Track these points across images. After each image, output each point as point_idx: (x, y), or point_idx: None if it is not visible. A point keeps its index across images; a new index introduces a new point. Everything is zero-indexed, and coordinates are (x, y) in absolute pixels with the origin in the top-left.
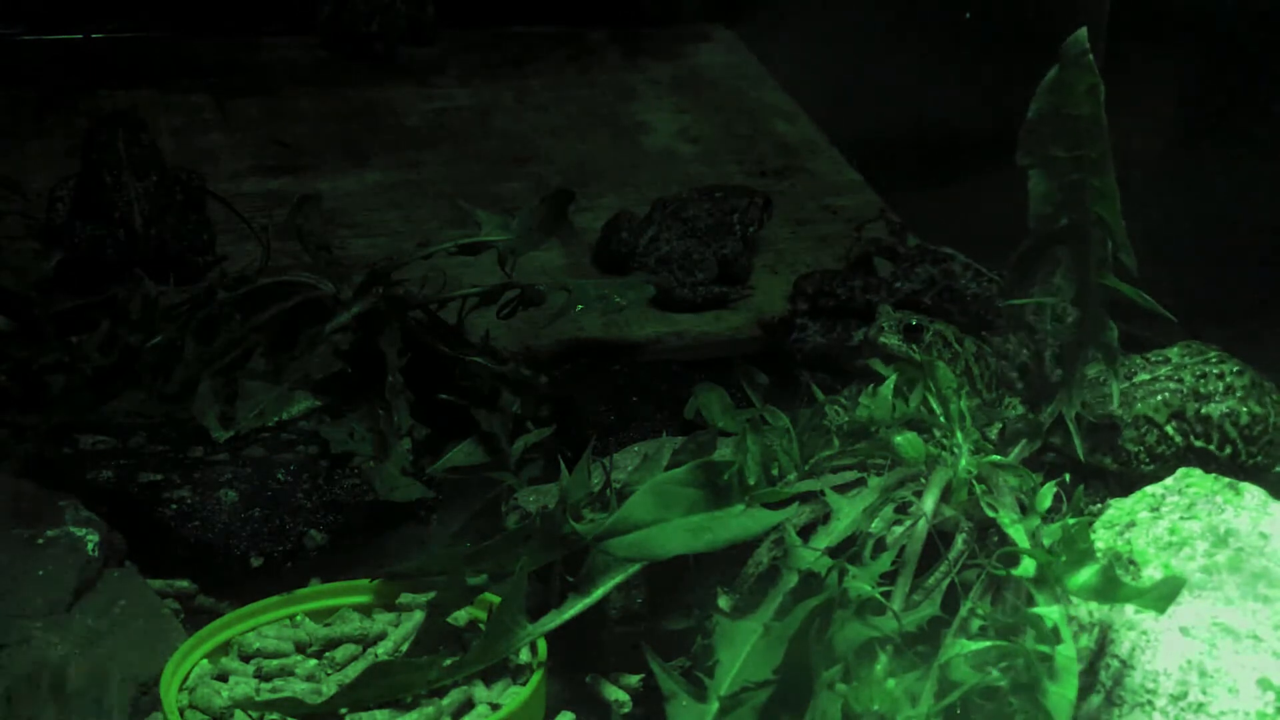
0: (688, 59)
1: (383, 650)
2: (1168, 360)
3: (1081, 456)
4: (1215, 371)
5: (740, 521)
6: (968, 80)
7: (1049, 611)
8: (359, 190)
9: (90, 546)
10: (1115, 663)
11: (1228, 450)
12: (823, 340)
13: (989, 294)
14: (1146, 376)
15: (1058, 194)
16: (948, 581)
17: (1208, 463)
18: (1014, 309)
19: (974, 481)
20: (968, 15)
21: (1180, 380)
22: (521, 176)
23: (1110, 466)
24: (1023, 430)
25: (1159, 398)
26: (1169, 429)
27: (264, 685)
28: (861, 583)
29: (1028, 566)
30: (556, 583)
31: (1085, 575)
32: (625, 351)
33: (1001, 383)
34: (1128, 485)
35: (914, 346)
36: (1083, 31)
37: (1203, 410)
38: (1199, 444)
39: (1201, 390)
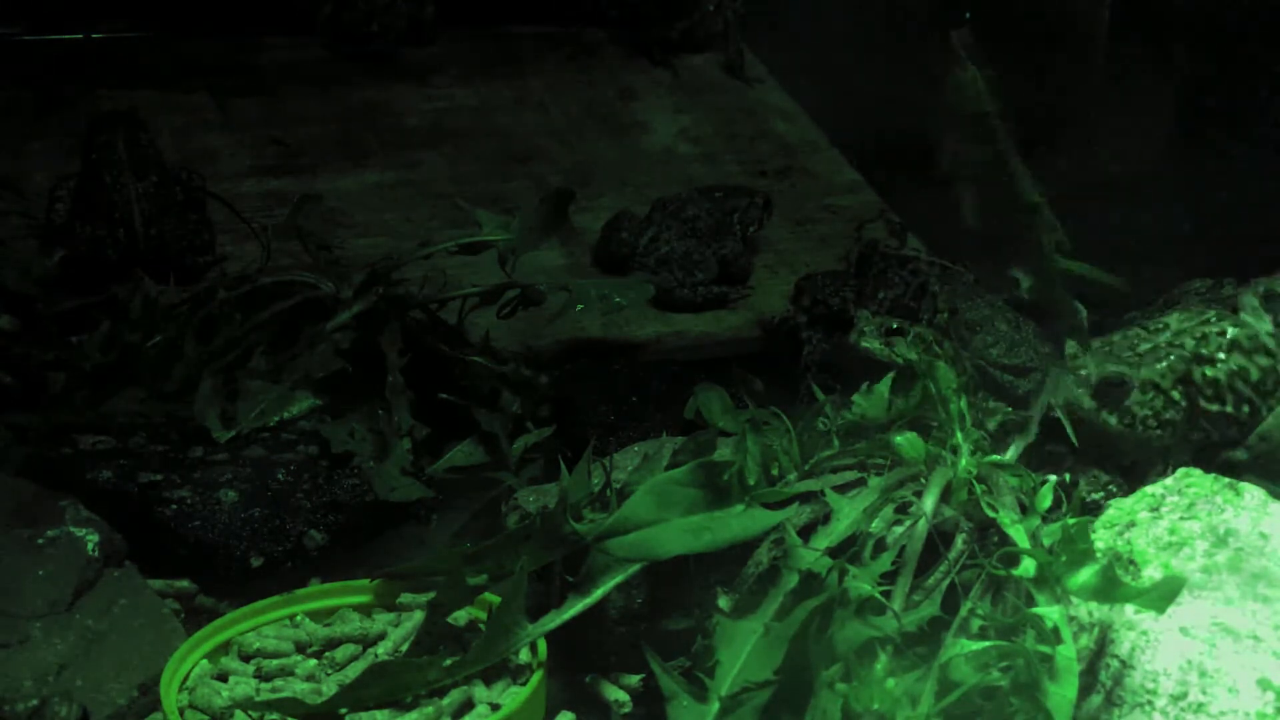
0: (688, 59)
1: (383, 650)
2: (1167, 327)
3: (1075, 443)
4: (1215, 330)
5: (740, 521)
6: None
7: (1049, 611)
8: (359, 190)
9: (90, 546)
10: (1115, 663)
11: (1245, 410)
12: (828, 348)
13: (955, 287)
14: (1149, 345)
15: (985, 194)
16: (948, 581)
17: (1227, 425)
18: None
19: (974, 481)
20: (968, 15)
21: (1181, 345)
22: (521, 176)
23: (1115, 427)
24: (1017, 424)
25: (1163, 364)
26: (1174, 394)
27: (264, 685)
28: (861, 583)
29: (1028, 566)
30: (556, 583)
31: (1085, 575)
32: (625, 351)
33: (983, 384)
34: (1132, 483)
35: (895, 349)
36: (963, 30)
37: (1208, 373)
38: (1214, 408)
39: (1203, 352)
